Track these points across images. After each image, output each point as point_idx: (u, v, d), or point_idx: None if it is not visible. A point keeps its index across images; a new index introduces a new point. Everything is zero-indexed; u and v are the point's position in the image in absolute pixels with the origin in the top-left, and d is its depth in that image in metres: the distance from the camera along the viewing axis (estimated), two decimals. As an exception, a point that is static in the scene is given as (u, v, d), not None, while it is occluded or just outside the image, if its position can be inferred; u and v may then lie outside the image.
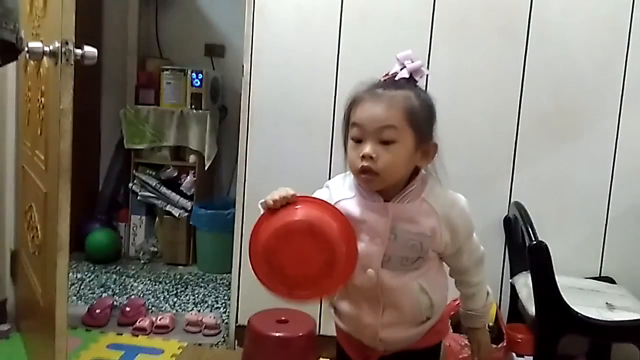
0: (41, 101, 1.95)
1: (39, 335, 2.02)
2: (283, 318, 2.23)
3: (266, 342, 2.13)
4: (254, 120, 2.33)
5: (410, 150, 1.13)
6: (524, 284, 2.01)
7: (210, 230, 3.31)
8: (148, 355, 2.38)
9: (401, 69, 1.16)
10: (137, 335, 2.53)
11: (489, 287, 1.33)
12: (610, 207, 2.20)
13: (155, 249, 3.51)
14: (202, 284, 3.18)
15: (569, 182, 2.20)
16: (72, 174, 1.75)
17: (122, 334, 2.55)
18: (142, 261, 3.46)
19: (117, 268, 3.34)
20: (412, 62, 1.16)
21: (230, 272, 2.52)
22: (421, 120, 1.13)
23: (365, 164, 1.11)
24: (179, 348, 2.46)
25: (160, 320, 2.61)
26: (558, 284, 1.75)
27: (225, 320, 2.68)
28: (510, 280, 2.18)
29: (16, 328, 2.49)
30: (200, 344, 2.51)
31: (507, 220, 2.23)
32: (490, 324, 2.00)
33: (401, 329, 1.22)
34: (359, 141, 1.13)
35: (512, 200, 2.22)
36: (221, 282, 3.21)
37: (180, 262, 3.45)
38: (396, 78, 1.16)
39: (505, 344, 1.96)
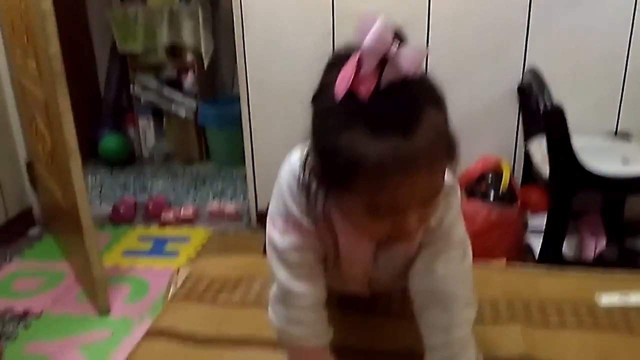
0: (22, 6, 1.88)
1: (69, 234, 2.10)
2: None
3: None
4: (247, 9, 2.24)
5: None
6: (539, 148, 2.03)
7: (219, 127, 3.31)
8: (177, 243, 2.49)
9: (377, 63, 0.65)
10: (164, 227, 2.63)
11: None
12: (628, 63, 2.15)
13: (168, 150, 3.54)
14: (219, 178, 3.24)
15: (585, 42, 2.14)
16: (70, 82, 1.74)
17: (149, 227, 2.64)
18: (156, 162, 3.50)
19: (134, 170, 3.39)
20: (398, 42, 0.66)
21: (244, 164, 2.57)
22: (452, 131, 0.73)
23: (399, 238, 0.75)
24: (205, 235, 2.56)
25: (183, 212, 2.69)
26: (573, 145, 1.76)
27: (246, 209, 2.76)
28: (525, 146, 2.20)
29: (46, 230, 2.59)
30: (225, 231, 2.61)
31: (521, 90, 2.21)
32: (505, 188, 2.06)
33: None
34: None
35: (526, 68, 2.18)
36: (237, 174, 3.26)
37: (194, 159, 3.49)
38: (383, 84, 0.65)
39: (519, 203, 2.01)
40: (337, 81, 0.66)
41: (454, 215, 0.87)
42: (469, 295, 0.88)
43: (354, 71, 0.64)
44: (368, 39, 0.63)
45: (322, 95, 0.70)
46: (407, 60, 0.64)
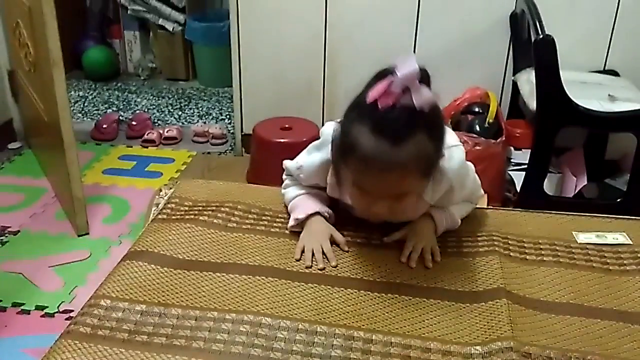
0: None
1: (50, 150, 2.08)
2: (287, 125, 2.28)
3: (272, 148, 2.19)
4: None
5: (423, 188, 1.01)
6: (527, 80, 2.00)
7: (206, 44, 3.22)
8: (160, 164, 2.48)
9: (401, 90, 0.89)
10: (147, 147, 2.61)
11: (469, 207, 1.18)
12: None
13: (154, 65, 3.45)
14: (205, 98, 3.19)
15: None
16: None
17: (132, 147, 2.63)
18: (141, 77, 3.42)
19: (118, 85, 3.33)
20: (417, 83, 0.89)
21: (232, 85, 2.52)
22: (435, 160, 0.96)
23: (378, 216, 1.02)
24: (188, 157, 2.55)
25: (167, 132, 2.66)
26: (562, 78, 1.73)
27: (231, 130, 2.73)
28: (513, 78, 2.16)
29: (27, 145, 2.56)
30: (209, 153, 2.60)
31: (513, 16, 2.15)
32: (490, 120, 2.04)
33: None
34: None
35: (520, -5, 2.11)
36: (223, 95, 3.21)
37: (180, 77, 3.41)
38: (398, 105, 0.89)
39: (504, 138, 2.00)
40: (371, 90, 0.91)
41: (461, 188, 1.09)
42: (474, 188, 1.15)
43: (385, 88, 0.89)
44: (400, 72, 0.88)
45: (361, 95, 0.94)
46: (421, 97, 0.89)
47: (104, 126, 2.68)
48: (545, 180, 1.90)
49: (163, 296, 0.96)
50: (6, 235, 1.96)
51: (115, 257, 1.08)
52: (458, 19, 2.19)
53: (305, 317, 0.92)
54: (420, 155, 0.91)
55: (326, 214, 1.12)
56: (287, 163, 1.18)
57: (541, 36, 1.70)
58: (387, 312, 0.94)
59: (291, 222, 1.13)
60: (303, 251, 1.07)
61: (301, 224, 1.11)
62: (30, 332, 1.57)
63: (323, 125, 1.13)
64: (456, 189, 1.07)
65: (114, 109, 3.01)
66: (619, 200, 1.91)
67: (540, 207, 1.29)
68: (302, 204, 1.13)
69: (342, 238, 1.10)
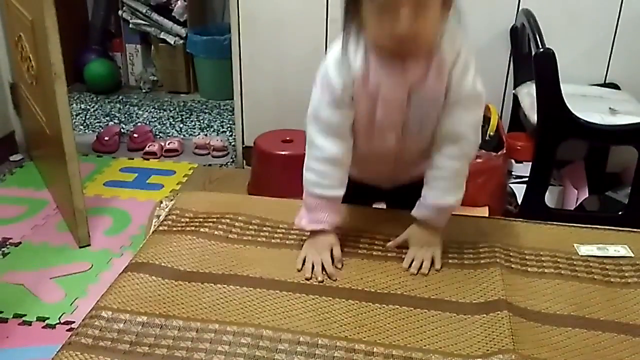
0: None
1: (51, 162, 2.09)
2: (288, 138, 2.28)
3: (273, 161, 2.20)
4: None
5: (440, 7, 0.97)
6: (527, 93, 2.00)
7: (208, 57, 3.23)
8: (161, 176, 2.49)
9: None
10: (148, 159, 2.62)
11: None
12: (622, 11, 2.11)
13: (155, 78, 3.47)
14: (206, 111, 3.20)
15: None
16: (57, 3, 1.69)
17: (133, 159, 2.63)
18: (143, 90, 3.44)
19: (120, 98, 3.34)
20: None
21: (233, 98, 2.53)
22: None
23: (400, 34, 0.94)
24: (190, 169, 2.56)
25: (169, 144, 2.67)
26: (562, 92, 1.74)
27: (232, 143, 2.74)
28: (514, 91, 2.17)
29: (29, 157, 2.57)
30: (210, 165, 2.61)
31: (514, 30, 2.16)
32: (492, 133, 2.04)
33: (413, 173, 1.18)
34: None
35: (520, 8, 2.12)
36: (224, 108, 3.22)
37: (182, 90, 3.43)
38: None
39: (504, 151, 2.01)
40: None
41: (472, 76, 1.05)
42: (475, 140, 1.10)
43: None
44: None
45: None
46: None
47: (106, 138, 2.69)
48: (547, 193, 1.90)
49: (164, 308, 0.96)
50: (8, 246, 1.96)
51: (116, 269, 1.08)
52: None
53: (306, 329, 0.92)
54: None
55: (333, 228, 1.11)
56: (311, 112, 1.12)
57: (541, 50, 1.71)
58: (388, 324, 0.94)
59: (300, 223, 1.11)
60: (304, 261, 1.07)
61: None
62: (32, 344, 1.57)
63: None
64: (459, 68, 1.03)
65: (116, 121, 3.02)
66: (620, 213, 1.91)
67: (542, 220, 1.29)
68: (316, 211, 1.10)
69: (340, 254, 1.09)
